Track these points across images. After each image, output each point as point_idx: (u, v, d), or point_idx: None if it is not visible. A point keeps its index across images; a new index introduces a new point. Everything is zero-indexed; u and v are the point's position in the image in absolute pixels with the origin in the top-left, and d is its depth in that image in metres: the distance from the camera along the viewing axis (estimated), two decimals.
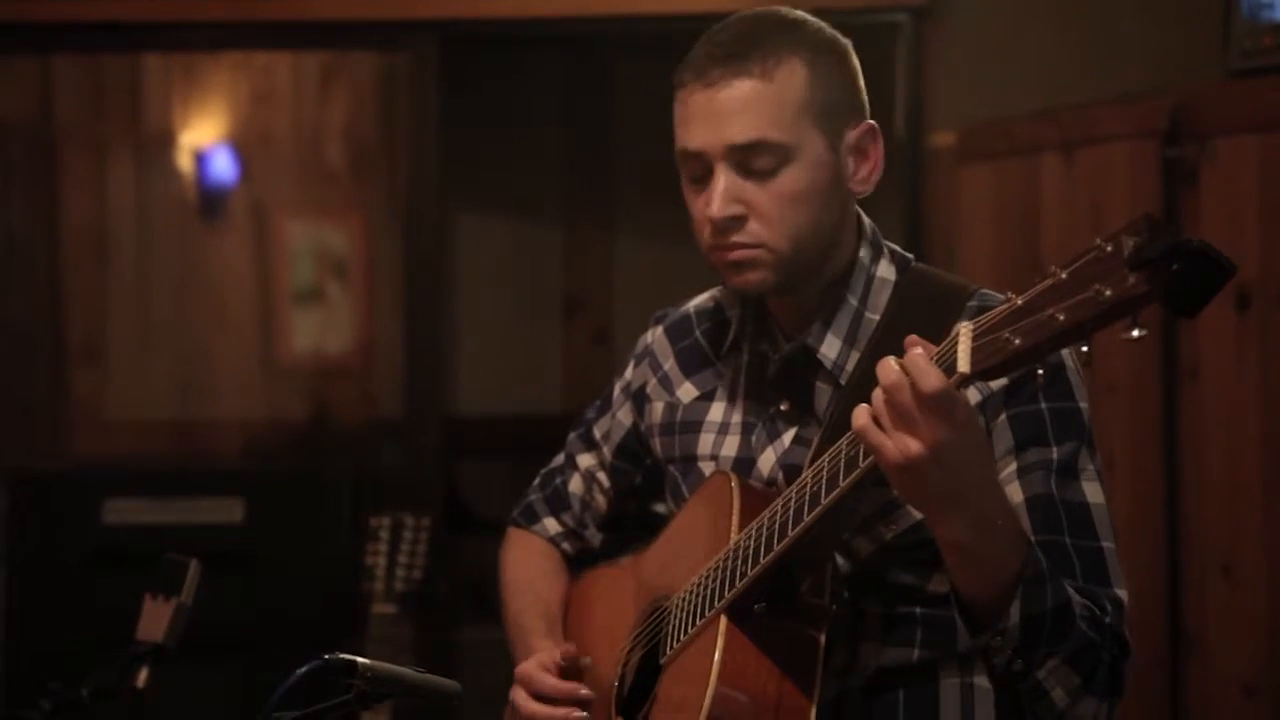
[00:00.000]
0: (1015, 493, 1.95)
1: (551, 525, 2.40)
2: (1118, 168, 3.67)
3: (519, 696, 2.17)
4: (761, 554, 1.93)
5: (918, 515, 1.96)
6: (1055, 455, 1.96)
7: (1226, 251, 1.54)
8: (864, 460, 1.80)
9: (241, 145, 5.32)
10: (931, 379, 1.71)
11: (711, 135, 2.01)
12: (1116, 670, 1.90)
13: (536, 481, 2.44)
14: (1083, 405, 2.00)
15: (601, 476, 2.36)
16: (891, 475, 1.78)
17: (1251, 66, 3.40)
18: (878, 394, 1.75)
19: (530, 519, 2.42)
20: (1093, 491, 1.97)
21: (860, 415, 1.77)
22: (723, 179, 2.01)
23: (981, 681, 2.02)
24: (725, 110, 2.00)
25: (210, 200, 5.35)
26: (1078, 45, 3.99)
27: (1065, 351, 1.96)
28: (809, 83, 2.02)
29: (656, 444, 2.25)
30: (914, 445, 1.72)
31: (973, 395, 1.94)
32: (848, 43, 2.09)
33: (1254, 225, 3.37)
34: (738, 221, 2.01)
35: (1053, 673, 1.85)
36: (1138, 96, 3.69)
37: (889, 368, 1.74)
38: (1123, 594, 1.94)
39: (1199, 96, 3.54)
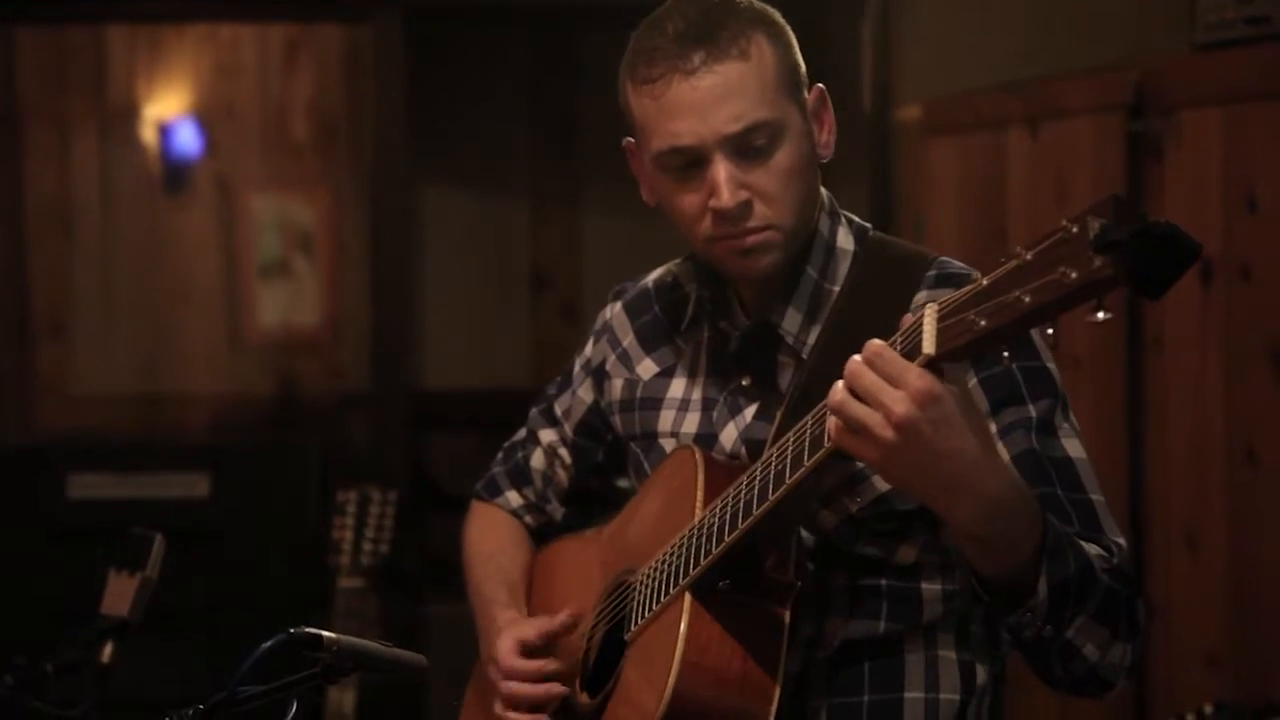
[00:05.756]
0: (999, 454, 1.91)
1: (514, 498, 2.40)
2: (1083, 141, 3.68)
3: (493, 673, 2.18)
4: (726, 532, 1.92)
5: (883, 487, 1.96)
6: (1033, 413, 1.94)
7: (1190, 225, 1.54)
8: (829, 440, 1.76)
9: (206, 118, 5.30)
10: (889, 356, 1.68)
11: (702, 125, 1.96)
12: (1133, 610, 1.89)
13: (500, 455, 2.44)
14: (1051, 366, 1.98)
15: (563, 452, 2.36)
16: (879, 470, 1.75)
17: (1216, 40, 3.41)
18: (843, 397, 1.70)
19: (493, 492, 2.42)
20: (1074, 447, 1.96)
21: (833, 426, 1.73)
22: (724, 167, 1.96)
23: (947, 654, 2.03)
24: (714, 97, 1.96)
25: (175, 174, 5.33)
26: (1043, 18, 3.99)
27: None
28: (776, 56, 2.00)
29: (617, 421, 2.25)
30: (887, 433, 1.67)
31: None
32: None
33: (1218, 198, 3.38)
34: (746, 207, 1.98)
35: (1081, 630, 1.83)
36: (1103, 70, 3.70)
37: (852, 361, 1.70)
38: (1121, 540, 1.94)
39: (1164, 70, 3.55)
